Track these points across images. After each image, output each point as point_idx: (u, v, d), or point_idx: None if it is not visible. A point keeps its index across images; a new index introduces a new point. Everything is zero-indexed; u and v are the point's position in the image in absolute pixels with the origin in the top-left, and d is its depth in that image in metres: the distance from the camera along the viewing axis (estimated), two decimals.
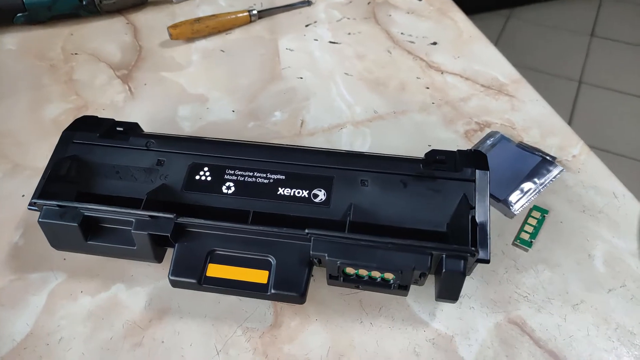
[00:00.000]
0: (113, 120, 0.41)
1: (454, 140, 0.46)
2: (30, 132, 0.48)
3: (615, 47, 1.77)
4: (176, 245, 0.34)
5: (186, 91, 0.52)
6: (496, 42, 1.79)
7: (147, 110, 0.50)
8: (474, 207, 0.34)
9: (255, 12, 0.59)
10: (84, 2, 0.58)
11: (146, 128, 0.42)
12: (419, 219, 0.35)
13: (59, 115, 0.49)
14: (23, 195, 0.43)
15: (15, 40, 0.57)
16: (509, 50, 1.79)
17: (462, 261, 0.31)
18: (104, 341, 0.35)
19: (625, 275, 0.37)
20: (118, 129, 0.40)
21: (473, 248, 0.32)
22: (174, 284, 0.34)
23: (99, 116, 0.41)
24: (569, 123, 1.49)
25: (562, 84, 1.64)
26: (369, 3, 0.61)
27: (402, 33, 0.57)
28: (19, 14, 0.57)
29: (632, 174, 1.35)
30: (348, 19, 0.59)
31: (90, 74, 0.54)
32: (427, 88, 0.51)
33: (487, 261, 0.32)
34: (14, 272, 0.38)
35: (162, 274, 0.38)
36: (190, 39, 0.57)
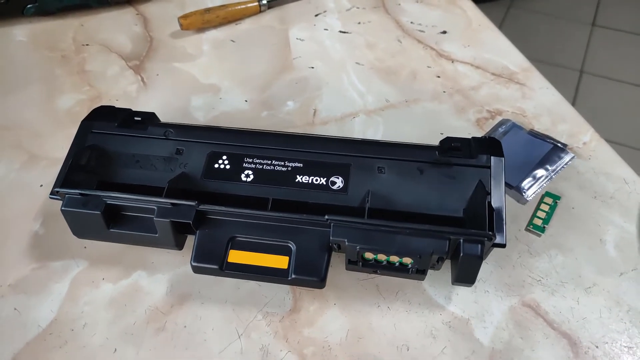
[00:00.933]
0: (130, 110, 0.41)
1: (466, 129, 0.47)
2: (45, 123, 0.48)
3: (617, 36, 1.77)
4: (197, 232, 0.35)
5: (198, 81, 0.52)
6: None
7: (160, 100, 0.50)
8: (490, 193, 0.35)
9: (264, 1, 0.59)
10: None
11: (160, 118, 0.43)
12: (436, 205, 0.35)
13: (73, 106, 0.50)
14: (41, 185, 0.43)
15: (26, 32, 0.57)
16: (509, 39, 1.80)
17: (479, 245, 0.32)
18: (127, 326, 0.35)
19: (637, 259, 0.38)
20: (136, 118, 0.41)
21: (490, 232, 0.32)
22: (196, 270, 0.35)
23: (116, 107, 0.42)
24: None
25: (564, 73, 1.64)
26: None
27: (411, 22, 0.57)
28: (29, 5, 0.57)
29: (632, 162, 1.36)
30: (357, 8, 0.60)
31: (102, 64, 0.54)
32: (438, 77, 0.51)
33: (503, 245, 0.33)
34: (36, 260, 0.39)
35: (182, 261, 0.38)
36: (201, 29, 0.57)
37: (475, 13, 0.58)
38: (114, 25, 0.58)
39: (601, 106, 1.53)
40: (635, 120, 1.48)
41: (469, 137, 0.39)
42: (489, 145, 0.37)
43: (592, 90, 1.58)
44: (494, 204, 0.34)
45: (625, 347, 0.34)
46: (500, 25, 1.81)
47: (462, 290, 0.37)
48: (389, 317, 0.36)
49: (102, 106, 0.42)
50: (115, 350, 0.34)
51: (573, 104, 1.52)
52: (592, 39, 1.77)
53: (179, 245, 0.37)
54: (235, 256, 0.35)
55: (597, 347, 0.34)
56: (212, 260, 0.34)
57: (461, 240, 0.32)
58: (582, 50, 1.73)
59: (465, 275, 0.33)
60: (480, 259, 0.32)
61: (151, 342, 0.35)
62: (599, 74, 1.63)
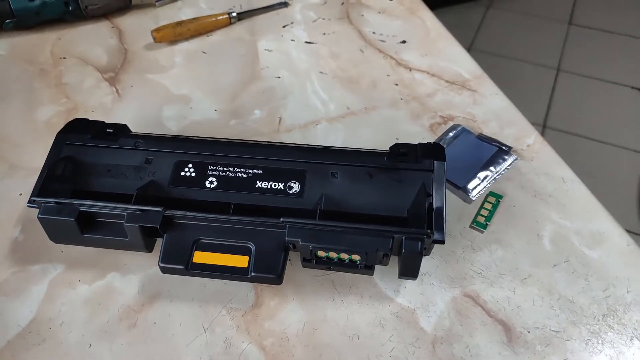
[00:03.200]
0: (103, 122, 0.44)
1: (420, 133, 0.50)
2: (24, 134, 0.51)
3: (592, 34, 1.82)
4: (165, 235, 0.38)
5: (170, 92, 0.55)
6: (477, 31, 1.83)
7: (134, 111, 0.53)
8: (432, 195, 0.38)
9: (234, 14, 0.62)
10: (70, 7, 0.60)
11: (133, 128, 0.45)
12: (383, 206, 0.39)
13: (51, 117, 0.53)
14: (20, 194, 0.46)
15: (5, 45, 0.60)
16: (489, 39, 1.84)
17: (419, 242, 0.35)
18: (102, 324, 0.38)
19: (569, 252, 0.41)
20: (108, 130, 0.43)
21: (429, 230, 0.36)
22: (164, 270, 0.38)
23: (89, 118, 0.45)
24: (547, 110, 1.54)
25: (541, 71, 1.69)
26: (342, 3, 0.65)
27: (373, 32, 0.61)
28: (7, 20, 0.59)
29: (608, 158, 1.40)
30: (323, 19, 0.63)
31: (78, 77, 0.57)
32: (396, 85, 0.55)
33: (442, 242, 0.37)
34: (16, 264, 0.42)
35: (152, 263, 0.41)
36: (173, 41, 0.60)
37: (434, 23, 0.62)
38: (90, 39, 0.61)
39: (577, 103, 1.57)
40: (610, 116, 1.52)
41: (424, 141, 0.42)
42: (433, 150, 0.41)
43: (569, 88, 1.63)
44: (435, 204, 0.38)
45: (553, 331, 0.37)
46: (480, 25, 1.86)
47: (409, 284, 0.40)
48: (342, 310, 0.39)
49: (76, 119, 0.45)
50: (90, 345, 0.37)
51: (550, 101, 1.57)
52: (569, 38, 1.81)
53: (149, 248, 0.40)
54: (200, 257, 0.38)
55: (528, 332, 0.37)
56: (178, 261, 0.37)
57: (403, 238, 0.36)
58: (559, 48, 1.77)
59: (409, 270, 0.37)
60: (420, 254, 0.36)
61: (123, 337, 0.38)
62: (575, 72, 1.68)
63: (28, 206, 0.39)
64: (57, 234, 0.39)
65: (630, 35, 1.81)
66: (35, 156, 0.49)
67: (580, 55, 1.74)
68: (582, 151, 1.42)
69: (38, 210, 0.38)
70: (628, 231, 0.43)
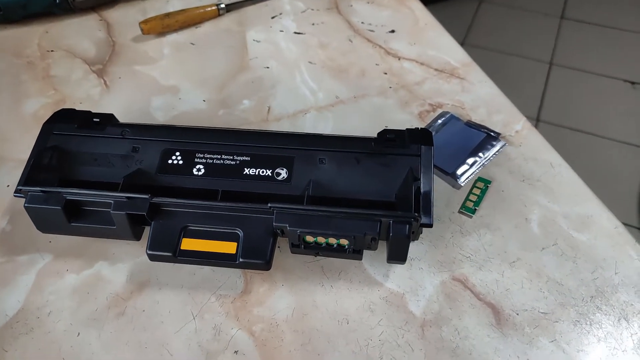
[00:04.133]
0: (90, 112, 0.44)
1: (409, 121, 0.50)
2: (12, 126, 0.51)
3: (585, 28, 1.83)
4: (152, 223, 0.38)
5: (159, 83, 0.55)
6: (469, 25, 1.83)
7: (122, 102, 0.53)
8: (419, 179, 0.38)
9: (223, 5, 0.62)
10: (57, 0, 0.60)
11: (122, 119, 0.45)
12: (371, 191, 0.39)
13: (39, 109, 0.52)
14: (8, 186, 0.46)
15: None
16: (481, 33, 1.84)
17: (407, 226, 0.35)
18: (90, 312, 0.38)
19: (557, 235, 0.42)
20: (95, 120, 0.43)
21: (416, 214, 0.36)
22: (152, 257, 0.38)
23: (76, 109, 0.45)
24: (541, 103, 1.54)
25: (534, 65, 1.69)
26: None
27: (362, 22, 0.61)
28: None
29: (601, 151, 1.41)
30: (312, 10, 0.63)
31: (66, 69, 0.56)
32: (385, 73, 0.55)
33: (430, 225, 0.37)
34: (3, 255, 0.41)
35: (141, 251, 0.41)
36: (161, 33, 0.60)
37: (423, 12, 0.62)
38: (78, 31, 0.61)
39: (570, 97, 1.58)
40: (604, 110, 1.53)
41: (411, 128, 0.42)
42: (421, 135, 0.41)
43: (562, 82, 1.63)
44: (423, 189, 0.38)
45: (542, 313, 0.37)
46: (473, 19, 1.86)
47: (398, 269, 0.40)
48: (331, 295, 0.39)
49: (63, 109, 0.45)
50: (79, 334, 0.37)
51: (543, 95, 1.57)
52: (561, 32, 1.82)
53: (137, 236, 0.40)
54: (188, 244, 0.38)
55: (517, 314, 0.38)
56: (166, 248, 0.37)
57: (391, 222, 0.36)
58: (551, 42, 1.78)
59: (397, 254, 0.37)
60: (407, 238, 0.36)
61: (112, 325, 0.38)
62: (568, 66, 1.69)
63: (15, 196, 0.39)
64: (44, 223, 0.39)
65: (621, 28, 1.81)
66: (22, 148, 0.48)
67: (573, 49, 1.75)
68: (576, 144, 1.43)
69: (24, 199, 0.38)
70: (624, 224, 0.43)
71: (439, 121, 0.49)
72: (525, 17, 1.88)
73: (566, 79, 1.65)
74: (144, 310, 0.38)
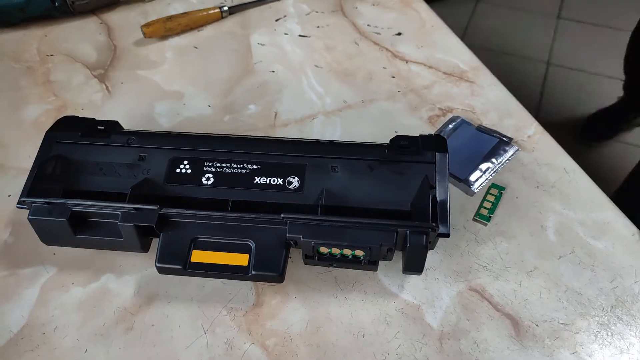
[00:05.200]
0: (93, 119, 0.43)
1: (419, 126, 0.49)
2: (11, 133, 0.49)
3: (581, 28, 1.83)
4: (161, 234, 0.37)
5: (162, 88, 0.54)
6: (466, 25, 1.83)
7: (125, 108, 0.52)
8: (435, 187, 0.37)
9: (226, 8, 0.61)
10: (57, 3, 0.59)
11: (125, 125, 0.44)
12: (386, 200, 0.38)
13: (39, 116, 0.51)
14: (9, 195, 0.44)
15: None
16: (478, 33, 1.84)
17: (424, 236, 0.35)
18: (97, 327, 0.37)
19: (574, 243, 0.41)
20: (99, 127, 0.42)
21: (434, 224, 0.35)
22: (161, 270, 0.36)
23: (79, 116, 0.43)
24: (539, 104, 1.54)
25: (531, 65, 1.69)
26: None
27: (368, 25, 0.60)
28: None
29: (599, 152, 1.41)
30: (316, 12, 0.62)
31: (67, 74, 0.55)
32: (393, 77, 0.54)
33: (447, 235, 0.36)
34: (6, 268, 0.40)
35: (148, 263, 0.40)
36: (164, 36, 0.59)
37: (429, 14, 0.61)
38: (78, 35, 0.59)
39: (568, 97, 1.57)
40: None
41: (424, 134, 0.41)
42: (435, 141, 0.40)
43: (559, 81, 1.63)
44: (439, 197, 0.37)
45: (562, 324, 0.37)
46: (469, 20, 1.85)
47: (413, 279, 0.39)
48: (346, 307, 0.38)
49: (66, 116, 0.43)
50: (86, 350, 0.36)
51: (541, 95, 1.57)
52: (558, 32, 1.82)
53: (145, 248, 0.38)
54: (198, 256, 0.36)
55: (537, 325, 0.37)
56: (175, 260, 0.36)
57: (408, 232, 0.35)
58: (548, 42, 1.78)
59: (414, 264, 0.36)
60: (425, 248, 0.35)
61: (120, 341, 0.36)
62: (565, 66, 1.68)
63: (18, 207, 0.38)
64: (48, 236, 0.38)
65: (617, 28, 1.82)
66: (23, 156, 0.47)
67: (570, 49, 1.75)
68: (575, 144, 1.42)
69: (28, 211, 0.37)
70: None
71: (450, 126, 0.48)
72: (522, 17, 1.88)
73: (564, 78, 1.65)
74: (153, 325, 0.37)
